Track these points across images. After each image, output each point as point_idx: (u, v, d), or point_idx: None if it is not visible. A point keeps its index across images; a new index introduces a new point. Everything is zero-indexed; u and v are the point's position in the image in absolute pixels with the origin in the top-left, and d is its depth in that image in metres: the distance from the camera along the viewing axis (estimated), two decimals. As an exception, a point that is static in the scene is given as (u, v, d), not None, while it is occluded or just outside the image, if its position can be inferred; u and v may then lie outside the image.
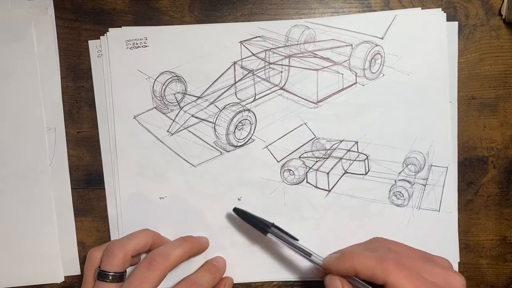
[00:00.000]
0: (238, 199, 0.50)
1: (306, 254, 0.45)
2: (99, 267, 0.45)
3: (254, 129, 0.50)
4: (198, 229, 0.50)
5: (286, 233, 0.46)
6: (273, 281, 0.51)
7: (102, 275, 0.44)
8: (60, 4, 0.50)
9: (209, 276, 0.47)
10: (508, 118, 0.50)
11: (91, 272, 0.45)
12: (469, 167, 0.50)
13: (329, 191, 0.50)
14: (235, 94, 0.50)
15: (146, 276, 0.43)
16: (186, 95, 0.50)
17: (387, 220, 0.50)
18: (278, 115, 0.50)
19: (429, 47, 0.49)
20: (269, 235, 0.46)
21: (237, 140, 0.50)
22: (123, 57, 0.50)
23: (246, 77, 0.50)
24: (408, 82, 0.49)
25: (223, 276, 0.49)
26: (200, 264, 0.49)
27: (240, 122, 0.50)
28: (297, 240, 0.46)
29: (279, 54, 0.50)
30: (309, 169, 0.50)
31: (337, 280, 0.42)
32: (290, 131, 0.50)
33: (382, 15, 0.49)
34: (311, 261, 0.45)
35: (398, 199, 0.50)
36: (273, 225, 0.46)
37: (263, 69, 0.50)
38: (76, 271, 0.51)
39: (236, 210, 0.48)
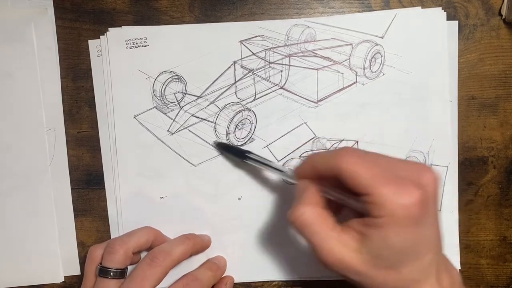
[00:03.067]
0: (238, 199, 0.50)
1: (281, 172, 0.45)
2: (100, 263, 0.45)
3: (254, 129, 0.50)
4: (198, 229, 0.50)
5: (262, 157, 0.47)
6: (273, 281, 0.51)
7: (103, 272, 0.44)
8: (60, 4, 0.50)
9: (210, 273, 0.47)
10: (508, 118, 0.50)
11: (92, 269, 0.45)
12: (469, 167, 0.50)
13: (329, 190, 0.50)
14: (235, 94, 0.50)
15: (147, 273, 0.43)
16: (186, 95, 0.50)
17: (388, 220, 0.50)
18: (278, 115, 0.50)
19: (429, 46, 0.49)
20: (247, 160, 0.47)
21: (237, 139, 0.50)
22: (123, 57, 0.50)
23: (246, 76, 0.50)
24: (408, 82, 0.49)
25: (223, 276, 0.49)
26: (201, 262, 0.49)
27: (240, 121, 0.50)
28: (271, 161, 0.46)
29: (279, 54, 0.50)
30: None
31: (303, 182, 0.40)
32: (290, 131, 0.50)
33: (382, 15, 0.49)
34: (286, 177, 0.45)
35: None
36: (249, 152, 0.47)
37: (263, 68, 0.50)
38: (76, 271, 0.51)
39: (217, 144, 0.49)
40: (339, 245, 0.37)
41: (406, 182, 0.35)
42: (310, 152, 0.48)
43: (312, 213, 0.38)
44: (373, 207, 0.35)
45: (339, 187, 0.38)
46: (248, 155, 0.47)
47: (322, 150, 0.45)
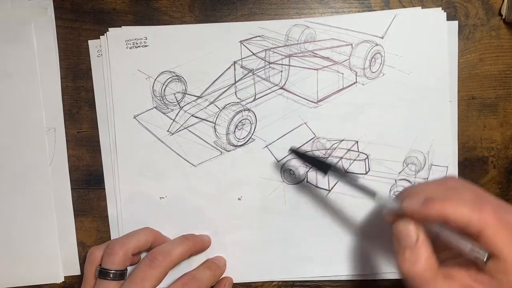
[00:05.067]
0: (238, 199, 0.50)
1: (370, 193, 0.41)
2: (100, 265, 0.45)
3: (254, 129, 0.50)
4: (198, 229, 0.50)
5: (347, 172, 0.44)
6: (273, 281, 0.51)
7: (103, 273, 0.44)
8: (60, 4, 0.50)
9: (209, 273, 0.47)
10: (508, 118, 0.50)
11: (92, 270, 0.45)
12: (469, 167, 0.50)
13: (330, 190, 0.50)
14: (235, 94, 0.50)
15: (147, 274, 0.43)
16: (186, 95, 0.50)
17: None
18: (278, 115, 0.50)
19: (429, 46, 0.49)
20: (330, 174, 0.44)
21: (237, 139, 0.50)
22: (123, 57, 0.50)
23: (246, 76, 0.50)
24: (408, 82, 0.49)
25: (223, 276, 0.49)
26: (201, 262, 0.49)
27: (240, 121, 0.50)
28: (358, 177, 0.43)
29: (279, 54, 0.50)
30: (309, 168, 0.50)
31: (412, 225, 0.36)
32: (290, 131, 0.50)
33: (382, 15, 0.49)
34: (376, 201, 0.41)
35: (399, 198, 0.50)
36: (334, 167, 0.44)
37: (263, 68, 0.50)
38: (76, 271, 0.51)
39: (293, 151, 0.47)
40: None
41: None
42: (419, 182, 0.44)
43: (426, 264, 0.36)
44: (499, 273, 0.33)
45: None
46: (332, 170, 0.43)
47: (437, 190, 0.39)
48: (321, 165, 0.44)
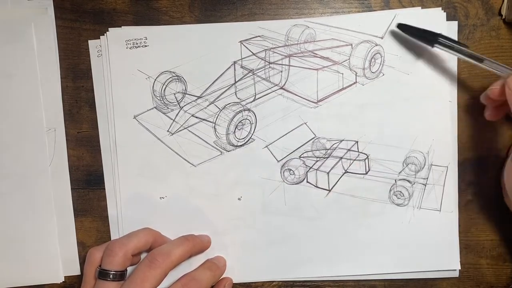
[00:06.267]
0: (238, 199, 0.50)
1: (478, 60, 0.43)
2: (100, 266, 0.45)
3: (254, 129, 0.50)
4: (198, 229, 0.50)
5: (454, 41, 0.45)
6: (273, 281, 0.51)
7: (103, 274, 0.44)
8: (60, 4, 0.50)
9: (209, 273, 0.47)
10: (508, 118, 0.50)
11: (91, 271, 0.45)
12: (469, 167, 0.50)
13: (330, 190, 0.50)
14: (235, 94, 0.50)
15: (147, 275, 0.43)
16: (186, 95, 0.50)
17: (388, 220, 0.50)
18: (278, 115, 0.50)
19: (429, 46, 0.49)
20: (436, 47, 0.45)
21: (237, 139, 0.50)
22: (123, 57, 0.50)
23: (246, 76, 0.50)
24: (408, 82, 0.49)
25: (223, 276, 0.49)
26: (201, 263, 0.49)
27: (240, 121, 0.50)
28: (467, 47, 0.44)
29: (279, 54, 0.50)
30: (309, 168, 0.50)
31: None
32: (290, 131, 0.50)
33: (382, 15, 0.49)
34: (484, 66, 0.43)
35: (399, 198, 0.50)
36: (440, 35, 0.45)
37: (263, 68, 0.50)
38: (76, 271, 0.51)
39: (400, 25, 0.48)
40: None
41: None
42: None
43: None
44: None
45: None
46: (440, 39, 0.45)
47: None
48: (427, 36, 0.46)
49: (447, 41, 0.46)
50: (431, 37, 0.47)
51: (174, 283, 0.45)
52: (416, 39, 0.48)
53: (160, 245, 0.47)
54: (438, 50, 0.48)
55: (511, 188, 0.44)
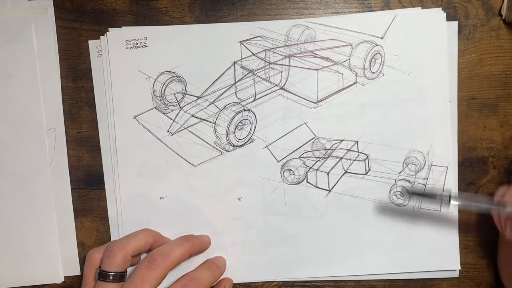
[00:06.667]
0: (238, 199, 0.50)
1: (500, 206, 0.43)
2: (100, 267, 0.45)
3: (254, 129, 0.50)
4: (198, 229, 0.50)
5: (471, 199, 0.44)
6: (273, 281, 0.51)
7: (103, 275, 0.44)
8: (60, 4, 0.50)
9: (208, 273, 0.47)
10: (508, 118, 0.50)
11: (91, 272, 0.45)
12: (469, 167, 0.50)
13: (330, 191, 0.50)
14: (235, 94, 0.50)
15: (147, 276, 0.43)
16: (186, 95, 0.50)
17: (388, 220, 0.50)
18: (278, 115, 0.50)
19: (429, 47, 0.49)
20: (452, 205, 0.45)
21: (237, 140, 0.50)
22: (123, 57, 0.50)
23: (246, 77, 0.50)
24: (408, 82, 0.49)
25: (223, 277, 0.49)
26: (201, 263, 0.49)
27: (240, 122, 0.50)
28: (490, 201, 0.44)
29: (279, 54, 0.50)
30: (309, 169, 0.50)
31: None
32: (290, 131, 0.50)
33: (382, 15, 0.49)
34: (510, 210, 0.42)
35: (399, 198, 0.50)
36: (450, 196, 0.44)
37: (263, 69, 0.50)
38: (76, 271, 0.51)
39: (411, 192, 0.47)
40: None
41: None
42: None
43: None
44: None
45: None
46: (454, 199, 0.44)
47: None
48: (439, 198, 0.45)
49: (461, 200, 0.45)
50: (443, 199, 0.45)
51: (174, 283, 0.45)
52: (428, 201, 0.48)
53: (160, 246, 0.47)
54: (438, 51, 0.48)
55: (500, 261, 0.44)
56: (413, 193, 0.47)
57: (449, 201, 0.44)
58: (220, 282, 0.49)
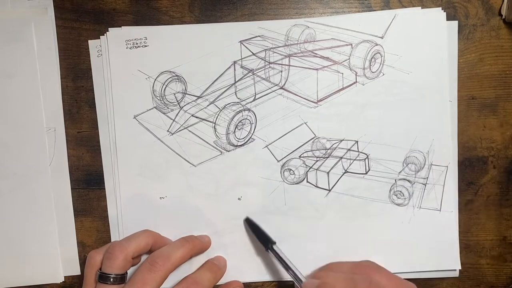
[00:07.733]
0: (238, 199, 0.50)
1: (298, 281, 0.46)
2: (100, 269, 0.45)
3: (254, 129, 0.50)
4: (198, 229, 0.50)
5: (284, 257, 0.47)
6: (273, 281, 0.51)
7: (103, 278, 0.44)
8: (60, 4, 0.50)
9: (209, 275, 0.47)
10: (508, 118, 0.50)
11: (92, 274, 0.45)
12: (469, 167, 0.50)
13: (330, 190, 0.50)
14: (235, 94, 0.50)
15: (147, 278, 0.43)
16: (186, 95, 0.50)
17: (388, 220, 0.50)
18: (278, 115, 0.50)
19: (429, 46, 0.49)
20: (269, 251, 0.48)
21: (237, 139, 0.50)
22: (123, 57, 0.50)
23: (246, 76, 0.50)
24: (408, 82, 0.49)
25: (224, 277, 0.49)
26: (201, 263, 0.49)
27: (240, 121, 0.50)
28: (291, 265, 0.47)
29: (279, 54, 0.50)
30: (309, 168, 0.50)
31: None
32: (290, 131, 0.50)
33: (382, 15, 0.49)
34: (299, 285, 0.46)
35: (399, 198, 0.50)
36: (273, 245, 0.48)
37: (263, 68, 0.50)
38: (76, 271, 0.51)
39: (247, 220, 0.50)
40: None
41: None
42: (334, 265, 0.48)
43: None
44: None
45: None
46: (272, 248, 0.48)
47: (337, 278, 0.45)
48: (264, 240, 0.48)
49: (279, 252, 0.48)
50: (265, 243, 0.48)
51: (175, 286, 0.45)
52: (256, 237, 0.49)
53: (161, 247, 0.46)
54: (438, 50, 0.48)
55: None
56: (249, 223, 0.49)
57: (268, 249, 0.48)
58: (229, 284, 0.49)
